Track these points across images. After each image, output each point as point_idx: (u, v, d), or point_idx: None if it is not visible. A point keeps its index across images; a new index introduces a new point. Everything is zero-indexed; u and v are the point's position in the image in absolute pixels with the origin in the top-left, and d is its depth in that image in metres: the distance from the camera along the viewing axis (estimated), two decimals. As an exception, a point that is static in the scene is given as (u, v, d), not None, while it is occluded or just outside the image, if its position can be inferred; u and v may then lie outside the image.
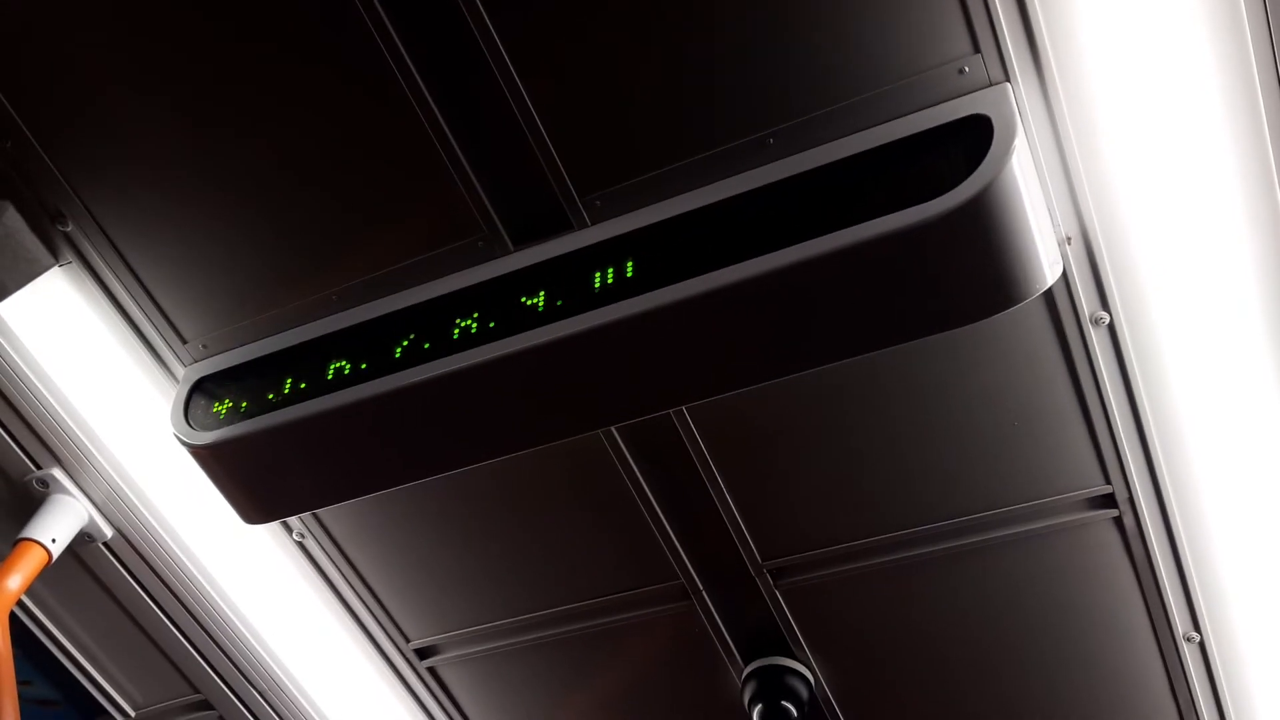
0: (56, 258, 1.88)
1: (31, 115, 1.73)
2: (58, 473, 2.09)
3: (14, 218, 1.82)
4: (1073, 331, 1.72)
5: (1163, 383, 1.76)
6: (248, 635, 2.36)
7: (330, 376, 1.81)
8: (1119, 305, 1.69)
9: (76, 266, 1.89)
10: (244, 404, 1.87)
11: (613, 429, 1.95)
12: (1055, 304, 1.70)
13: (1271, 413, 1.75)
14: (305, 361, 1.87)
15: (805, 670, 2.29)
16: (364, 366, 1.78)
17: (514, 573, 2.25)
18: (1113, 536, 1.96)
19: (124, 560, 2.24)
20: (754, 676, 2.28)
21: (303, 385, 1.83)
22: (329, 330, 1.86)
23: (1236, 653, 2.08)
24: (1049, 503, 1.94)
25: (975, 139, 1.48)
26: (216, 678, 2.45)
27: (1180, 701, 2.15)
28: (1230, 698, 2.14)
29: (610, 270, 1.64)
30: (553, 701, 2.51)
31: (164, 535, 2.19)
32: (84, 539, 2.17)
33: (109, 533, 2.17)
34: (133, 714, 2.60)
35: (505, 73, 1.61)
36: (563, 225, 1.74)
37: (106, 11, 1.63)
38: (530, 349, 1.64)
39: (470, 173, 1.70)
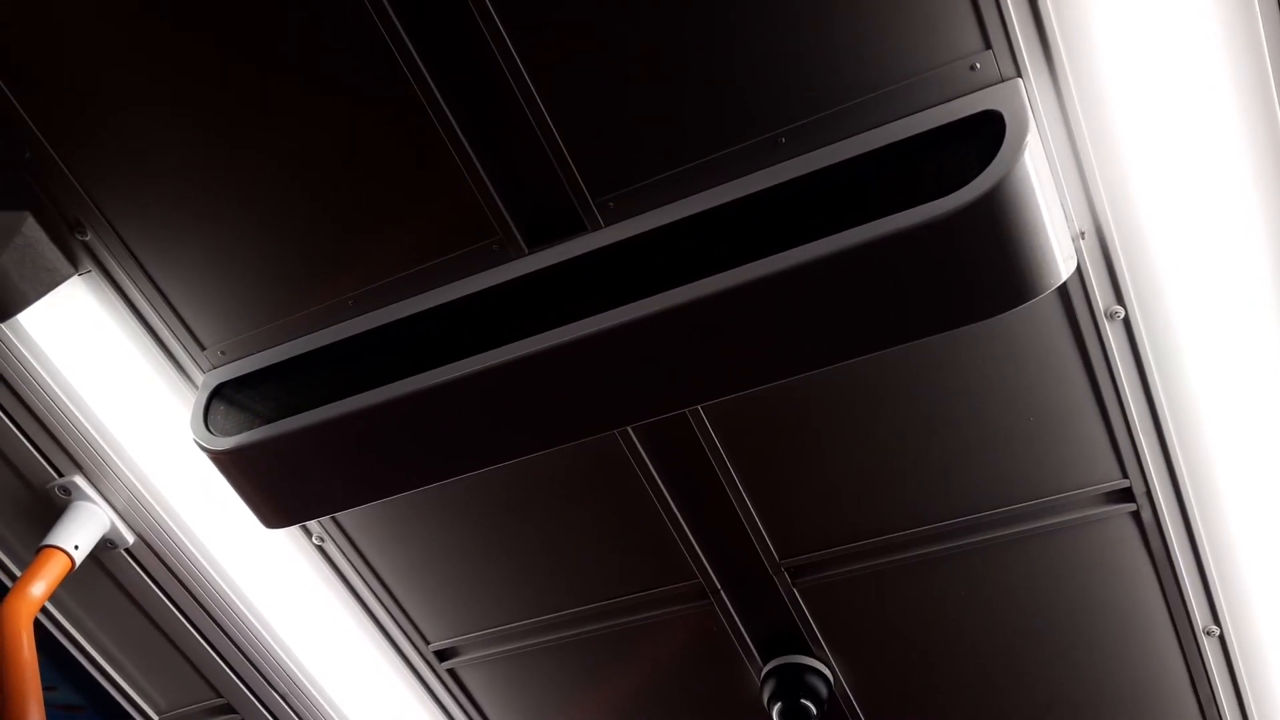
0: (75, 267, 1.89)
1: (50, 126, 1.75)
2: (79, 480, 2.11)
3: (33, 228, 1.83)
4: (1088, 326, 1.72)
5: (1179, 376, 1.76)
6: (269, 639, 2.38)
7: (348, 381, 1.82)
8: (1134, 299, 1.68)
9: (95, 275, 1.90)
10: (263, 409, 1.89)
11: (629, 428, 1.95)
12: (1070, 299, 1.70)
13: (1289, 405, 1.74)
14: (323, 366, 1.88)
15: (824, 668, 2.29)
16: (382, 370, 1.79)
17: (532, 573, 2.26)
18: (1131, 531, 1.96)
19: (146, 566, 2.25)
20: (773, 675, 2.29)
21: (321, 390, 1.84)
22: (346, 335, 1.86)
23: (1257, 646, 2.07)
24: (1066, 498, 1.94)
25: (988, 135, 1.48)
26: (239, 681, 2.46)
27: (1200, 695, 2.15)
28: (1251, 691, 2.13)
29: (626, 271, 1.65)
30: (572, 701, 2.51)
31: (185, 541, 2.21)
32: (106, 545, 2.19)
33: (131, 539, 2.19)
34: (156, 718, 2.62)
35: (517, 75, 1.62)
36: (577, 227, 1.75)
37: (123, 22, 1.65)
38: (548, 350, 1.65)
39: (484, 176, 1.71)
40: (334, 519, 2.20)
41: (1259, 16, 1.40)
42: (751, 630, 2.27)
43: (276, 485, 1.93)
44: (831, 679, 2.30)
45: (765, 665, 2.31)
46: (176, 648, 2.42)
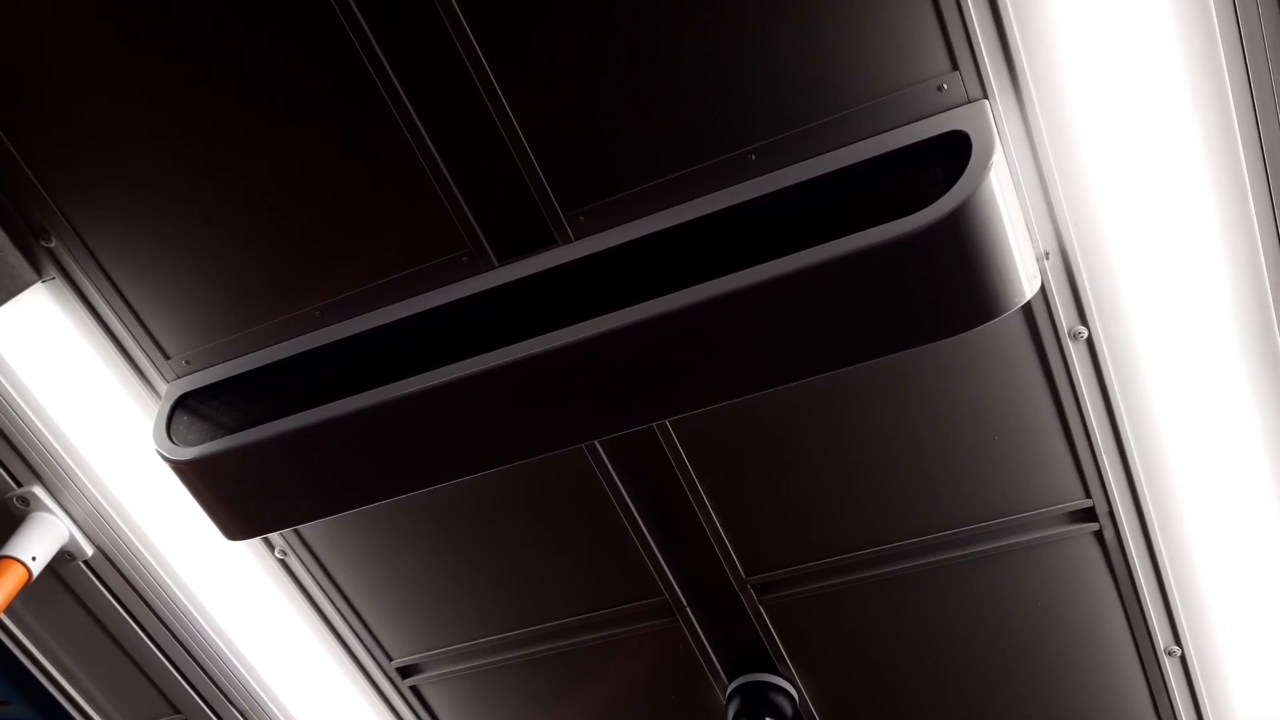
0: (39, 273, 1.87)
1: (16, 130, 1.73)
2: (39, 490, 2.08)
3: (-3, 233, 1.82)
4: (1051, 346, 1.74)
5: (1141, 397, 1.78)
6: (229, 654, 2.35)
7: (313, 392, 1.81)
8: (1097, 320, 1.70)
9: (59, 282, 1.88)
10: (226, 420, 1.87)
11: (596, 443, 1.95)
12: (1034, 318, 1.72)
13: (1248, 425, 1.76)
14: (288, 377, 1.87)
15: (789, 686, 2.29)
16: (347, 382, 1.78)
17: (497, 590, 2.25)
18: (1093, 551, 1.97)
19: (105, 579, 2.22)
20: (738, 693, 2.28)
21: (285, 401, 1.83)
22: (312, 346, 1.85)
23: (1218, 667, 2.09)
24: (1030, 517, 1.95)
25: (954, 155, 1.50)
26: (197, 697, 2.43)
27: (1162, 715, 2.16)
28: (1212, 712, 2.14)
29: (595, 285, 1.65)
30: (536, 719, 2.49)
31: (145, 553, 2.18)
32: (65, 557, 2.15)
33: (90, 551, 2.16)
34: (112, 735, 2.58)
35: (490, 89, 1.62)
36: (547, 240, 1.75)
37: (93, 30, 1.64)
38: (514, 363, 1.65)
39: (455, 188, 1.71)
40: (297, 532, 2.19)
41: (1219, 41, 1.43)
42: (717, 648, 2.27)
43: (239, 496, 1.91)
44: (796, 697, 2.30)
45: (730, 683, 2.30)
46: (134, 663, 2.38)
